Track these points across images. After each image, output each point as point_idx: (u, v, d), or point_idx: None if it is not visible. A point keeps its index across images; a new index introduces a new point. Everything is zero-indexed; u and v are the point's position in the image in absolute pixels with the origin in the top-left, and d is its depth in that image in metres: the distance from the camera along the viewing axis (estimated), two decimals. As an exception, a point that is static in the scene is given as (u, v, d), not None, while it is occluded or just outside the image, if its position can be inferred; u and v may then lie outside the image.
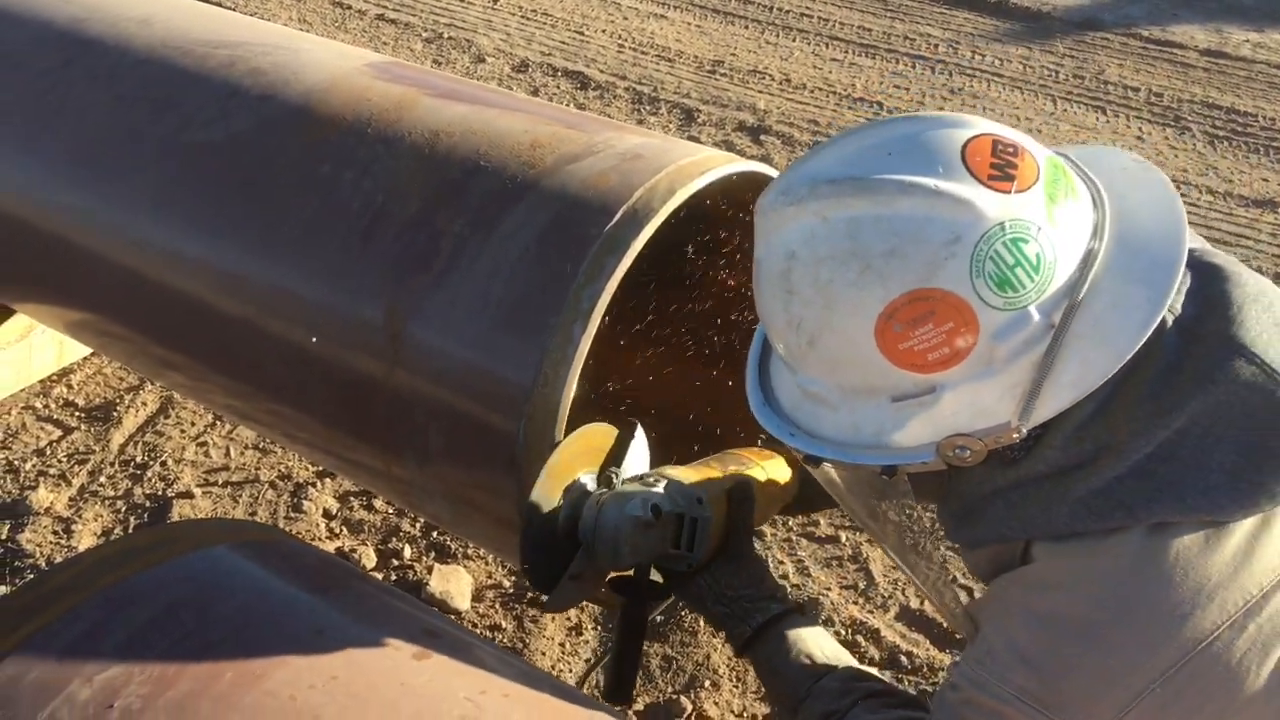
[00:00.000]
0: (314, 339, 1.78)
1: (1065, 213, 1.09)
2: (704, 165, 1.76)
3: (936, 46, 5.65)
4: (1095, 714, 1.11)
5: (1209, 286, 1.14)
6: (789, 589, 2.49)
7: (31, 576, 2.39)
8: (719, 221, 2.15)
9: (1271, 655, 1.09)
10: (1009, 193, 1.07)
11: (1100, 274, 1.09)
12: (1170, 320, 1.12)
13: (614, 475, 1.48)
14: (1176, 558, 1.10)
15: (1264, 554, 1.11)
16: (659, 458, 1.64)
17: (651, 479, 1.47)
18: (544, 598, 1.46)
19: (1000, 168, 1.09)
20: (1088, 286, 1.08)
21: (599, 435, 1.51)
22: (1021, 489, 1.17)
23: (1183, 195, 4.37)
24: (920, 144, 1.12)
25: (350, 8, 5.87)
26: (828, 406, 1.20)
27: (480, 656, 1.13)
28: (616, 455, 1.51)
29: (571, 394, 1.62)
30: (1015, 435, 1.10)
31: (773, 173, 1.90)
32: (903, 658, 2.30)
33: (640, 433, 1.55)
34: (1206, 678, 1.09)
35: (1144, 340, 1.06)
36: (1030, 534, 1.17)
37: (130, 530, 2.55)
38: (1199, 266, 1.16)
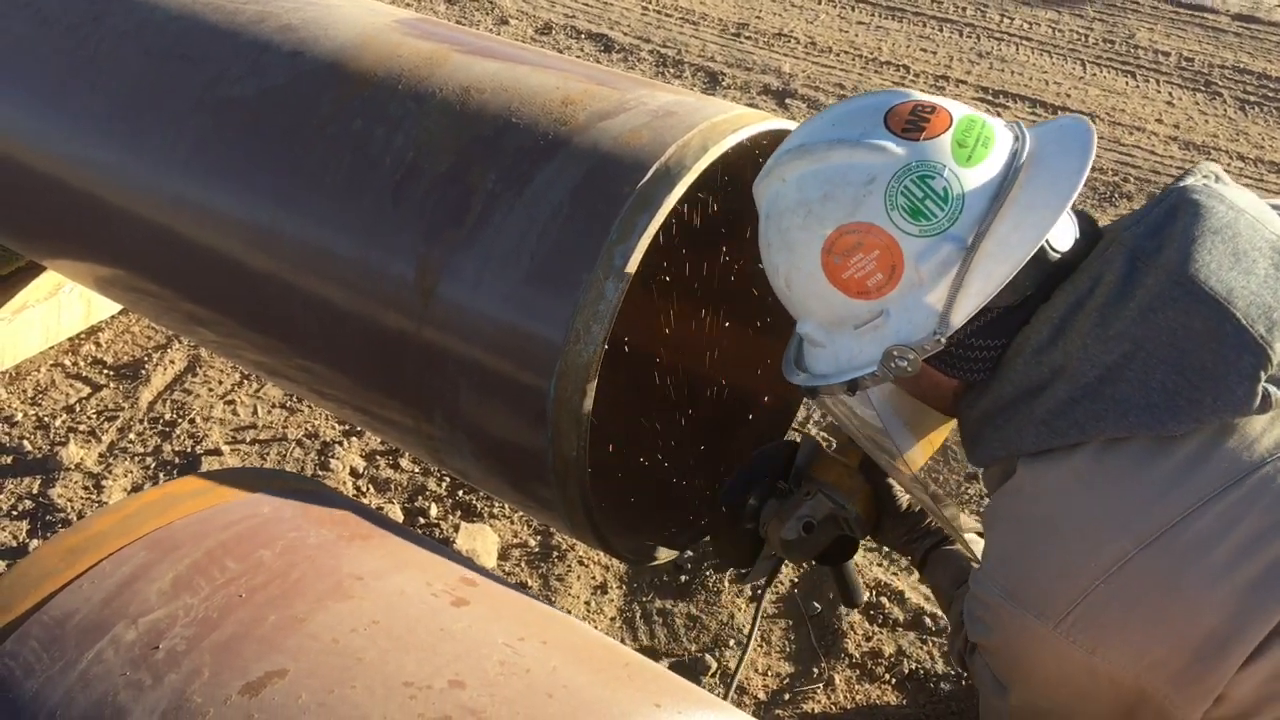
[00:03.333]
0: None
1: (974, 155, 1.29)
2: (737, 123, 1.75)
3: (964, 9, 5.59)
4: (1052, 607, 1.26)
5: (1176, 222, 1.28)
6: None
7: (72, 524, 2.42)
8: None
9: (1207, 557, 1.20)
10: (918, 141, 1.30)
11: (1008, 205, 1.27)
12: (1124, 251, 1.27)
13: (781, 486, 1.81)
14: (1122, 469, 1.25)
15: (1209, 466, 1.22)
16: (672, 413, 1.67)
17: (807, 490, 1.77)
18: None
19: (914, 123, 1.31)
20: (997, 215, 1.26)
21: (782, 446, 1.88)
22: (1003, 413, 1.33)
23: (1213, 159, 4.34)
24: (854, 113, 1.37)
25: (373, -31, 5.85)
26: (819, 346, 1.43)
27: (518, 605, 1.14)
28: (786, 469, 1.82)
29: (603, 352, 1.62)
30: (939, 342, 1.29)
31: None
32: (927, 619, 2.30)
33: (807, 440, 1.85)
34: (1145, 575, 1.22)
35: (1033, 251, 1.25)
36: (1011, 452, 1.33)
37: (160, 486, 2.58)
38: (1179, 204, 1.30)
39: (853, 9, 5.59)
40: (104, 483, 2.60)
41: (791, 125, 1.85)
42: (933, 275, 1.29)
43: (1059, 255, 1.32)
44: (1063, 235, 1.33)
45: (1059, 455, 1.29)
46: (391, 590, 1.05)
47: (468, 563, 1.25)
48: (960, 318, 1.28)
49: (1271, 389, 1.20)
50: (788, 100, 4.63)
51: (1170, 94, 4.83)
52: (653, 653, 2.26)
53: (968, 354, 1.35)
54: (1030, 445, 1.30)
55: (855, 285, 1.32)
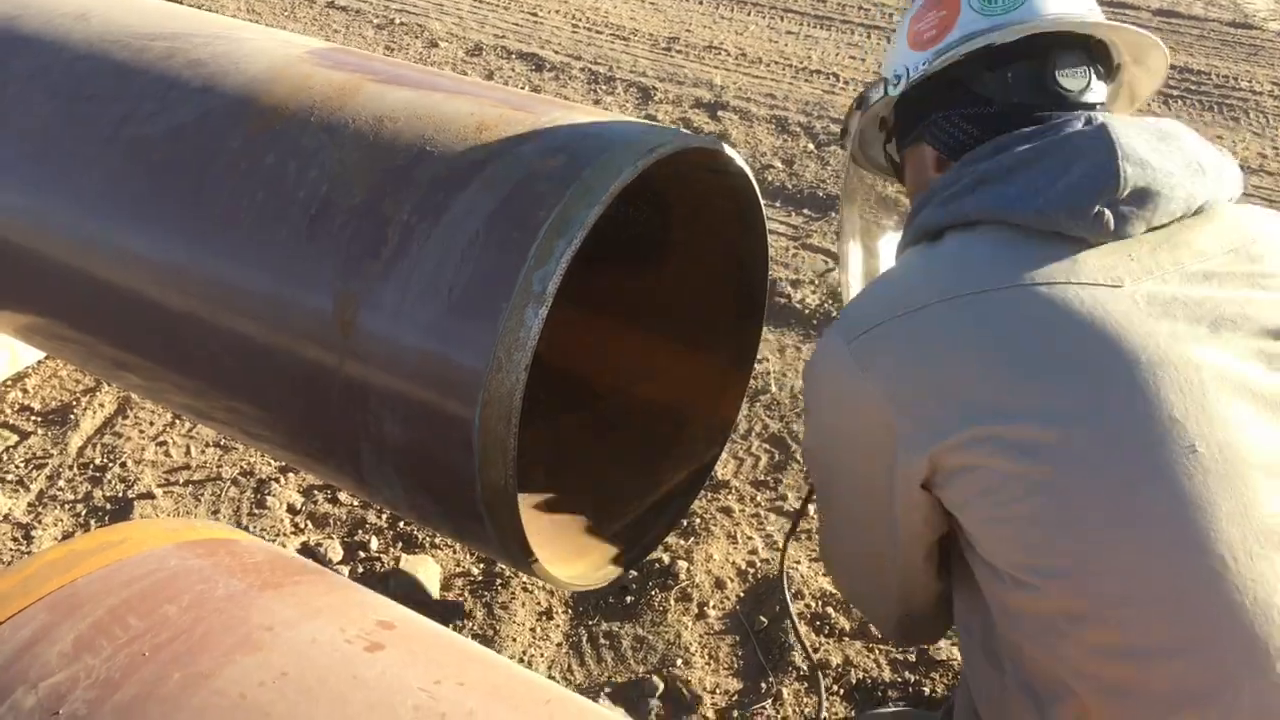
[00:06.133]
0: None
1: None
2: (651, 142, 1.74)
3: (891, 15, 5.64)
4: (854, 327, 1.42)
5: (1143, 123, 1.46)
6: (760, 564, 2.49)
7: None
8: (672, 199, 2.13)
9: (958, 328, 1.35)
10: None
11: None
12: (1093, 116, 1.45)
13: None
14: (967, 244, 1.43)
15: (1032, 261, 1.36)
16: (608, 435, 1.65)
17: None
18: None
19: None
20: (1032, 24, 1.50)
21: None
22: (929, 201, 1.51)
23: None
24: None
25: (299, -4, 5.81)
26: None
27: (437, 646, 1.12)
28: None
29: (525, 378, 1.60)
30: (924, 69, 1.54)
31: (722, 146, 1.89)
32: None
33: None
34: (931, 323, 1.37)
35: (1011, 24, 1.50)
36: (919, 237, 1.52)
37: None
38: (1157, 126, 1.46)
39: (781, 19, 5.63)
40: (33, 533, 2.54)
41: (707, 142, 1.85)
42: (952, 43, 1.53)
43: (1063, 91, 1.50)
44: (1077, 81, 1.52)
45: (938, 238, 1.48)
46: (303, 639, 1.03)
47: (389, 603, 1.22)
48: (942, 60, 1.53)
49: (1108, 214, 1.35)
50: (719, 112, 4.64)
51: (1095, 91, 4.90)
52: (600, 677, 2.24)
53: (949, 128, 1.56)
54: (930, 226, 1.48)
55: (916, 38, 1.59)
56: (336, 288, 1.71)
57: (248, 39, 2.12)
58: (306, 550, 2.51)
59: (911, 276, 1.47)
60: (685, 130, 1.86)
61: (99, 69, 2.06)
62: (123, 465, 2.73)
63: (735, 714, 2.15)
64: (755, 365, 2.29)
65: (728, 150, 1.89)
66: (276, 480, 2.69)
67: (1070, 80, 1.51)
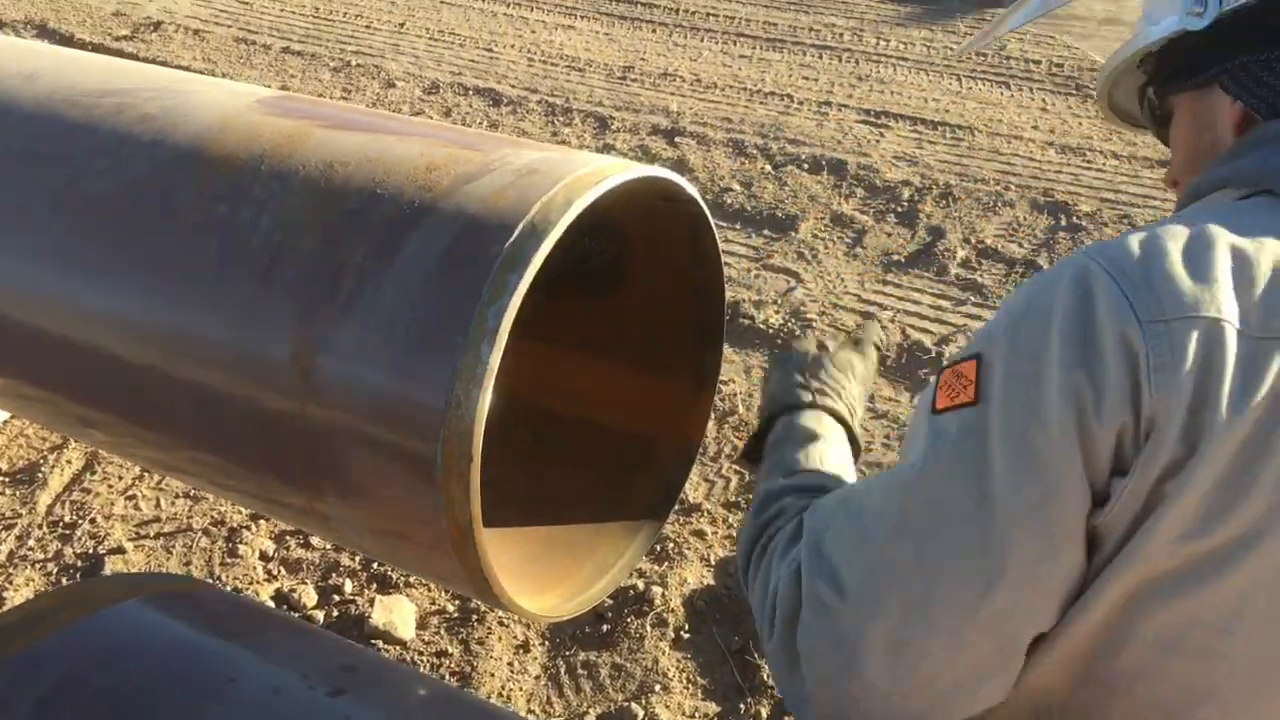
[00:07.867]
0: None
1: None
2: (600, 175, 1.76)
3: (841, 35, 5.71)
4: (1151, 300, 1.05)
5: None
6: (733, 585, 2.50)
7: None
8: (627, 228, 2.15)
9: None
10: None
11: None
12: None
13: None
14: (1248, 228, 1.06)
15: None
16: (575, 465, 1.65)
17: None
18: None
19: None
20: None
21: None
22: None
23: (1089, 160, 4.45)
24: None
25: (255, 43, 5.82)
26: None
27: (400, 688, 1.12)
28: None
29: (485, 413, 1.61)
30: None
31: (673, 176, 1.92)
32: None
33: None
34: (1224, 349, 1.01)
35: None
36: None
37: (63, 592, 2.50)
38: None
39: (734, 43, 5.69)
40: (4, 595, 2.52)
41: (657, 171, 1.87)
42: None
43: None
44: None
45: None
46: (265, 689, 1.03)
47: (352, 647, 1.23)
48: None
49: None
50: (677, 138, 4.69)
51: (1044, 100, 4.97)
52: (579, 707, 2.24)
53: (1268, 78, 1.16)
54: (1202, 188, 1.20)
55: None
56: (294, 333, 1.72)
57: (196, 91, 2.13)
58: (280, 596, 2.50)
59: (1218, 265, 1.01)
60: (637, 160, 1.88)
61: (49, 128, 2.07)
62: (92, 521, 2.72)
63: (716, 737, 2.16)
64: (721, 387, 2.31)
65: (677, 179, 1.91)
66: (248, 528, 2.68)
67: None
